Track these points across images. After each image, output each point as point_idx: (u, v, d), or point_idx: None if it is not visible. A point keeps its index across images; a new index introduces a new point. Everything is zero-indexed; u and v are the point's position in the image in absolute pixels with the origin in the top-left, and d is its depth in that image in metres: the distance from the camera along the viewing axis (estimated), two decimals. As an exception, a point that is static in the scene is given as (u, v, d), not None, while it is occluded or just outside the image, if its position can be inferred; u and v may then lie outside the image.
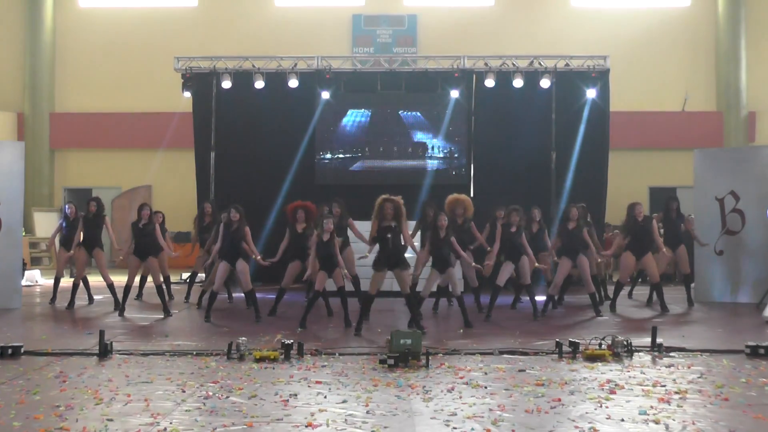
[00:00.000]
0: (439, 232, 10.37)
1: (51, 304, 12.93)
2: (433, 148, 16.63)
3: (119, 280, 12.32)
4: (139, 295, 13.48)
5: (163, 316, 11.43)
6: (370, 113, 16.70)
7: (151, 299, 12.86)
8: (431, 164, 16.62)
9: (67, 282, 13.32)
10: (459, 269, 11.78)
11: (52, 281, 13.43)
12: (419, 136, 16.68)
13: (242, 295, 12.04)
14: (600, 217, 15.82)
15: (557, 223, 12.45)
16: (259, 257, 11.15)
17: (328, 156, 16.68)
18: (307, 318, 10.45)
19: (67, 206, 13.03)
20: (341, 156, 16.69)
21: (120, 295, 11.85)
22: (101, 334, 8.26)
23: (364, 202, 13.09)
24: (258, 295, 11.86)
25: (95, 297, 13.22)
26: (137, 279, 12.45)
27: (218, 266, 11.09)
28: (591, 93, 16.09)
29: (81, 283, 12.74)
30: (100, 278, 12.48)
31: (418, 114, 16.68)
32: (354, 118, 16.68)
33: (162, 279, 12.35)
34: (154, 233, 11.81)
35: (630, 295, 13.79)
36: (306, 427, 5.50)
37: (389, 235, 9.84)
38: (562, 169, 16.26)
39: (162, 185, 22.16)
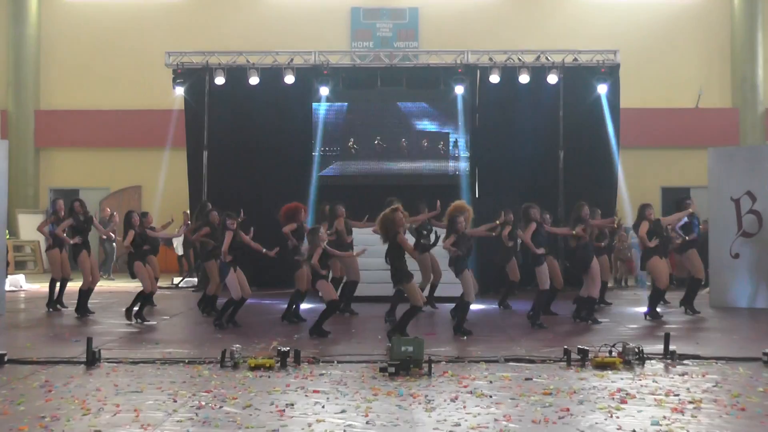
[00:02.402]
0: (464, 234, 10.18)
1: (58, 308, 12.60)
2: (435, 146, 16.45)
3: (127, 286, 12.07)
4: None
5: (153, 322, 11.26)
6: (369, 109, 16.57)
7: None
8: (433, 163, 16.44)
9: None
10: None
11: (37, 286, 13.11)
12: (421, 135, 16.52)
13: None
14: (611, 219, 15.50)
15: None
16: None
17: (326, 154, 16.50)
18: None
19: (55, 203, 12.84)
20: (338, 155, 16.57)
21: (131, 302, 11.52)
22: (89, 341, 8.10)
23: (362, 201, 12.88)
24: (252, 300, 11.74)
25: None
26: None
27: (230, 276, 10.64)
28: (601, 89, 15.96)
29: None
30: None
31: (421, 108, 16.57)
32: (352, 115, 16.57)
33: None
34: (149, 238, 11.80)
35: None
36: (304, 438, 5.41)
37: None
38: (571, 168, 16.05)
39: (152, 186, 21.80)
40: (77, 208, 12.23)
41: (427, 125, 16.51)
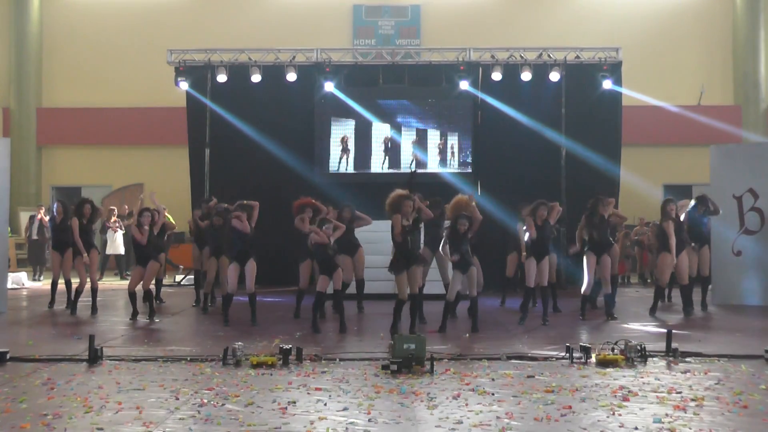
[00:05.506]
0: (459, 232, 10.13)
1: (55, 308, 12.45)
2: (438, 143, 16.37)
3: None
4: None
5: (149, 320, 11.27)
6: (371, 107, 16.42)
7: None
8: (435, 161, 16.35)
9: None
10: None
11: (40, 284, 13.07)
12: (423, 132, 16.41)
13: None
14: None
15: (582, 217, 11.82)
16: None
17: (327, 152, 16.45)
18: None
19: (55, 206, 12.64)
20: (339, 153, 16.46)
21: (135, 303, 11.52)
22: (91, 339, 8.07)
23: (363, 200, 12.81)
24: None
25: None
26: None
27: (229, 268, 10.97)
28: (603, 86, 15.89)
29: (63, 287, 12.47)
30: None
31: (423, 106, 16.50)
32: (353, 113, 16.44)
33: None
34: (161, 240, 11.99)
35: (669, 298, 13.38)
36: (305, 435, 5.37)
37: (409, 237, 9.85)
38: (573, 166, 15.91)
39: (154, 183, 21.62)
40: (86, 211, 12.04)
41: (429, 123, 16.42)
